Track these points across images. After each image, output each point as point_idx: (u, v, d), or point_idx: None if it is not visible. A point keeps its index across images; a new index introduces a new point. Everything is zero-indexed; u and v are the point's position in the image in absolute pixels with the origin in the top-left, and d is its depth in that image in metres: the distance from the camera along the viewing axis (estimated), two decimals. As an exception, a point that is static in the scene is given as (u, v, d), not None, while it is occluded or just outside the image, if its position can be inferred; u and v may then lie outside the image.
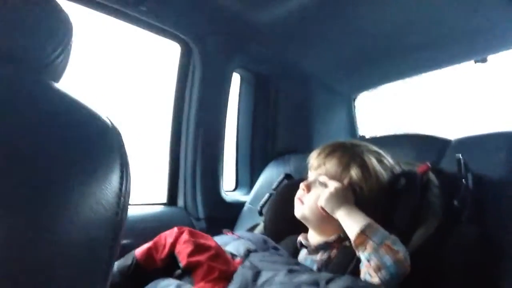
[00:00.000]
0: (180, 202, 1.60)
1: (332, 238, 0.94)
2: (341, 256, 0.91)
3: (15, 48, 0.46)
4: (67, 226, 0.39)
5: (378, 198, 0.94)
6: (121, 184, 0.44)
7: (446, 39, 1.58)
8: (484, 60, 1.69)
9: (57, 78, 0.52)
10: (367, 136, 2.06)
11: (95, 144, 0.45)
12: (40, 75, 0.48)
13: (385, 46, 1.68)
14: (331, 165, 0.98)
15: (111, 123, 0.47)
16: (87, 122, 0.46)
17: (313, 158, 1.03)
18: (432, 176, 1.00)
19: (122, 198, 0.44)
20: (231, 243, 1.00)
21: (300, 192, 1.01)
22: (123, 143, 0.47)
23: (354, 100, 2.16)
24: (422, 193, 0.96)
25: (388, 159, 1.00)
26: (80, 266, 0.41)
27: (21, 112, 0.40)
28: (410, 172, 1.00)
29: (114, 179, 0.43)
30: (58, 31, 0.50)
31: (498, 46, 1.61)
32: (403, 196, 0.95)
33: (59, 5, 0.51)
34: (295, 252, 1.02)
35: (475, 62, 1.71)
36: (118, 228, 0.43)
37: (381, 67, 1.89)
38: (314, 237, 0.99)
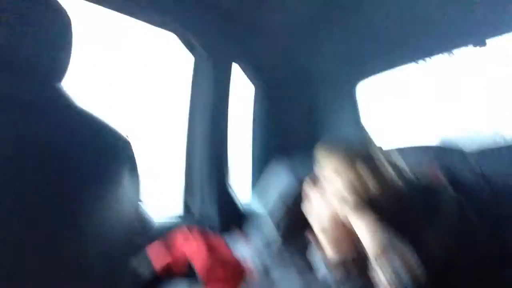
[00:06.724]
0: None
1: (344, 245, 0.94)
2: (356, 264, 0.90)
3: (21, 56, 0.47)
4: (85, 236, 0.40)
5: (384, 200, 0.90)
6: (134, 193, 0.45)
7: (441, 26, 1.59)
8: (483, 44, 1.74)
9: (61, 76, 0.52)
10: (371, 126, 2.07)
11: (105, 156, 0.45)
12: (49, 79, 0.48)
13: (386, 33, 1.68)
14: (336, 159, 0.96)
15: (122, 135, 0.47)
16: (99, 135, 0.46)
17: (319, 153, 1.01)
18: (446, 183, 0.97)
19: (137, 206, 0.45)
20: (242, 246, 1.01)
21: (306, 187, 1.01)
22: (134, 154, 0.47)
23: (355, 88, 2.13)
24: (437, 204, 0.93)
25: (399, 160, 0.97)
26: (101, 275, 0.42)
27: (36, 123, 0.41)
28: (422, 176, 0.97)
29: (126, 189, 0.44)
30: (58, 28, 0.50)
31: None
32: (413, 202, 0.91)
33: (57, 2, 0.51)
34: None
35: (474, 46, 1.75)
36: (134, 235, 0.44)
37: (383, 54, 1.89)
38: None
